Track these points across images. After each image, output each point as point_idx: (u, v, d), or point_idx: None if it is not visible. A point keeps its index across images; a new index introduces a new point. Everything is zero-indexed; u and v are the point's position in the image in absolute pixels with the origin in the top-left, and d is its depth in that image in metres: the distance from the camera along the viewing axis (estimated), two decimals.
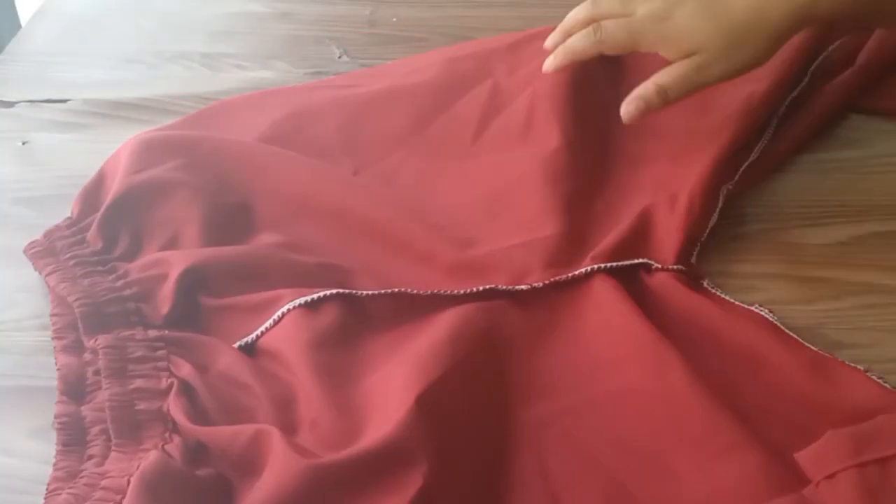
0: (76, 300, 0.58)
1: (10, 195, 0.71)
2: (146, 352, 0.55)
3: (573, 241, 0.62)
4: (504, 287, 0.59)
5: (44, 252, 0.63)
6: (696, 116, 0.70)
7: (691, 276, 0.60)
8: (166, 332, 0.56)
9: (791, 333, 0.57)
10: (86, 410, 0.53)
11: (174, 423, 0.51)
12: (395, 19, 0.89)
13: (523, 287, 0.59)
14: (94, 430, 0.52)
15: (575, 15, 0.69)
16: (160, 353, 0.55)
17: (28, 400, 0.57)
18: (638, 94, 0.64)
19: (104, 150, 0.74)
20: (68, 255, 0.62)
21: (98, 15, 0.91)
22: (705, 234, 0.64)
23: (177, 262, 0.59)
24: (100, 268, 0.61)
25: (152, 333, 0.56)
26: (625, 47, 0.66)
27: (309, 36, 0.87)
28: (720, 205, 0.65)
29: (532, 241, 0.62)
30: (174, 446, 0.50)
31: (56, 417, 0.53)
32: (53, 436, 0.54)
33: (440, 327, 0.55)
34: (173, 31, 0.88)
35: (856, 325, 0.60)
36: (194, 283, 0.59)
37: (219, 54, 0.85)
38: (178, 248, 0.62)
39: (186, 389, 0.53)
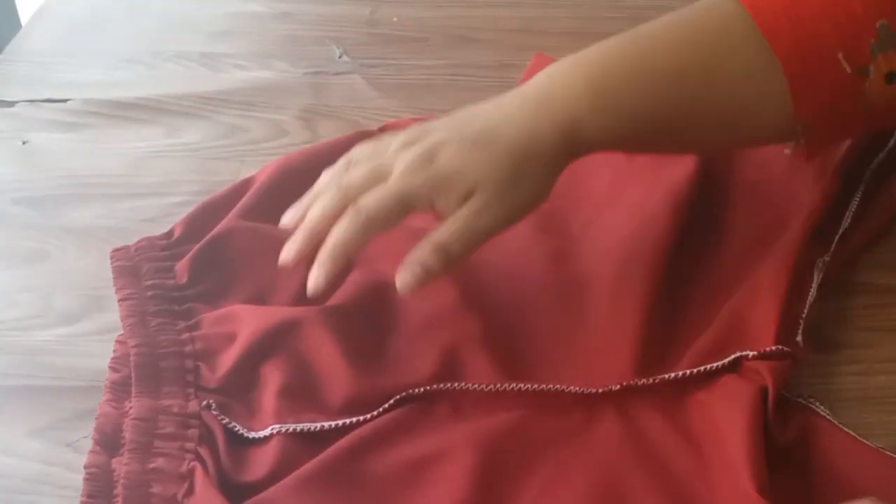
0: (135, 346, 0.55)
1: (10, 195, 0.71)
2: (177, 429, 0.52)
3: (664, 342, 0.57)
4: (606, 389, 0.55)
5: (127, 270, 0.60)
6: (771, 198, 0.65)
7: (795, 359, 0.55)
8: (211, 401, 0.53)
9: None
10: (116, 464, 0.51)
11: None
12: (395, 19, 0.89)
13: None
14: (121, 485, 0.50)
15: (322, 203, 0.55)
16: (192, 431, 0.52)
17: (28, 400, 0.57)
18: (414, 258, 0.53)
19: (104, 150, 0.74)
20: (149, 283, 0.59)
21: (98, 15, 0.91)
22: (805, 311, 0.58)
23: (248, 322, 0.56)
24: (175, 307, 0.58)
25: (192, 407, 0.53)
26: (400, 213, 0.54)
27: (309, 36, 0.87)
28: (818, 280, 0.60)
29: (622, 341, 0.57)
30: None
31: (85, 468, 0.51)
32: (53, 435, 0.54)
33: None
34: (172, 31, 0.88)
35: (856, 325, 0.60)
36: (262, 348, 0.55)
37: (218, 54, 0.85)
38: (268, 301, 0.58)
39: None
